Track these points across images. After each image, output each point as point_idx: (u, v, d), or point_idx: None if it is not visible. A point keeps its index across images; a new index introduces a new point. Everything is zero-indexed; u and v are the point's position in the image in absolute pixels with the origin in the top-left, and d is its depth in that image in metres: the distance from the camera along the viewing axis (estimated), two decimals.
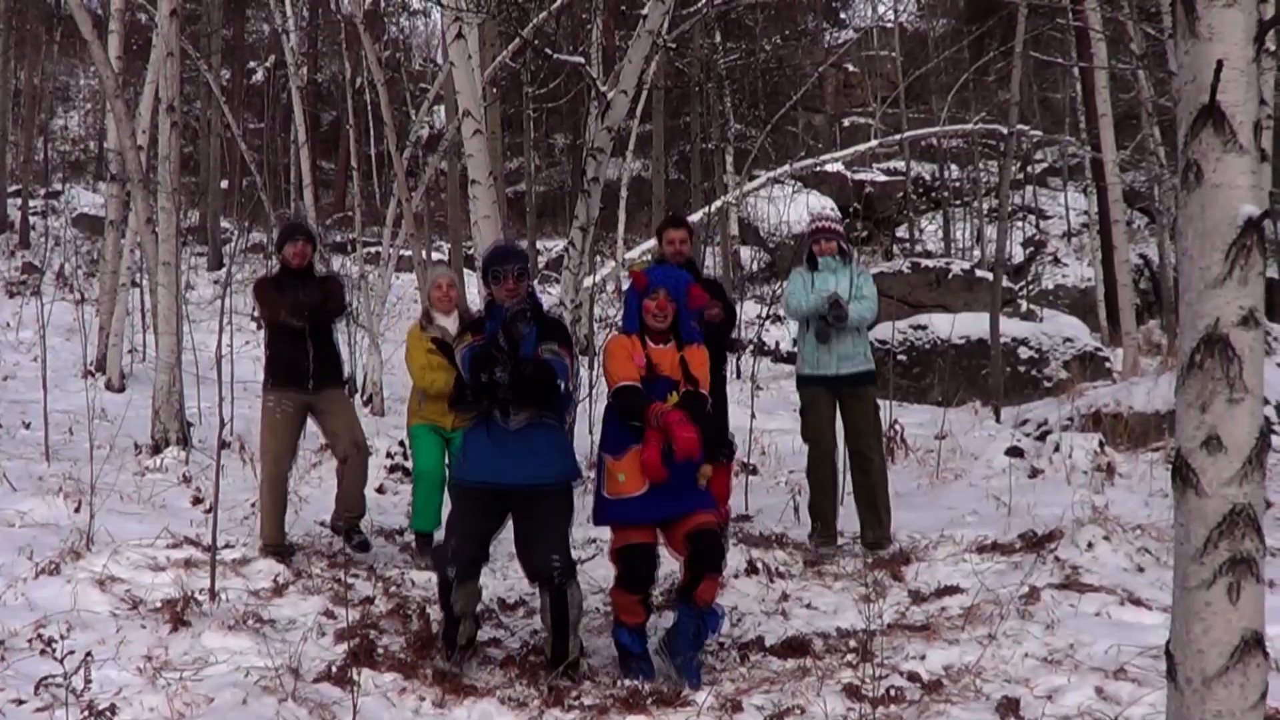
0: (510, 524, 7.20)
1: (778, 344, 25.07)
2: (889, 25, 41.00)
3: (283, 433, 9.81)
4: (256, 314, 25.46)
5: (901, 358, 20.47)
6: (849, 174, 37.66)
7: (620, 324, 7.59)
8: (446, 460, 9.79)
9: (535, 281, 26.50)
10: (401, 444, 12.92)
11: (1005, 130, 20.38)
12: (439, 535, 9.39)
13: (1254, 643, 3.86)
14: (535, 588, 7.25)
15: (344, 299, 10.36)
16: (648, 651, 7.16)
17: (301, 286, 9.85)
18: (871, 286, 10.59)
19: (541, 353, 7.02)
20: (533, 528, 7.05)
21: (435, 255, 30.83)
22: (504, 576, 9.13)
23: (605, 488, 7.19)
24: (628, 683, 6.82)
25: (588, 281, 17.61)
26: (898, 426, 14.12)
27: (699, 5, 19.27)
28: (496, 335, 6.97)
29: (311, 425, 10.32)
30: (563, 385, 7.13)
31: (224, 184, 38.03)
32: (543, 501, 7.03)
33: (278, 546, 9.49)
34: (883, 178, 39.12)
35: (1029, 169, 38.91)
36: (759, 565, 9.31)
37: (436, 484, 9.76)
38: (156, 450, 13.42)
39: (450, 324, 10.03)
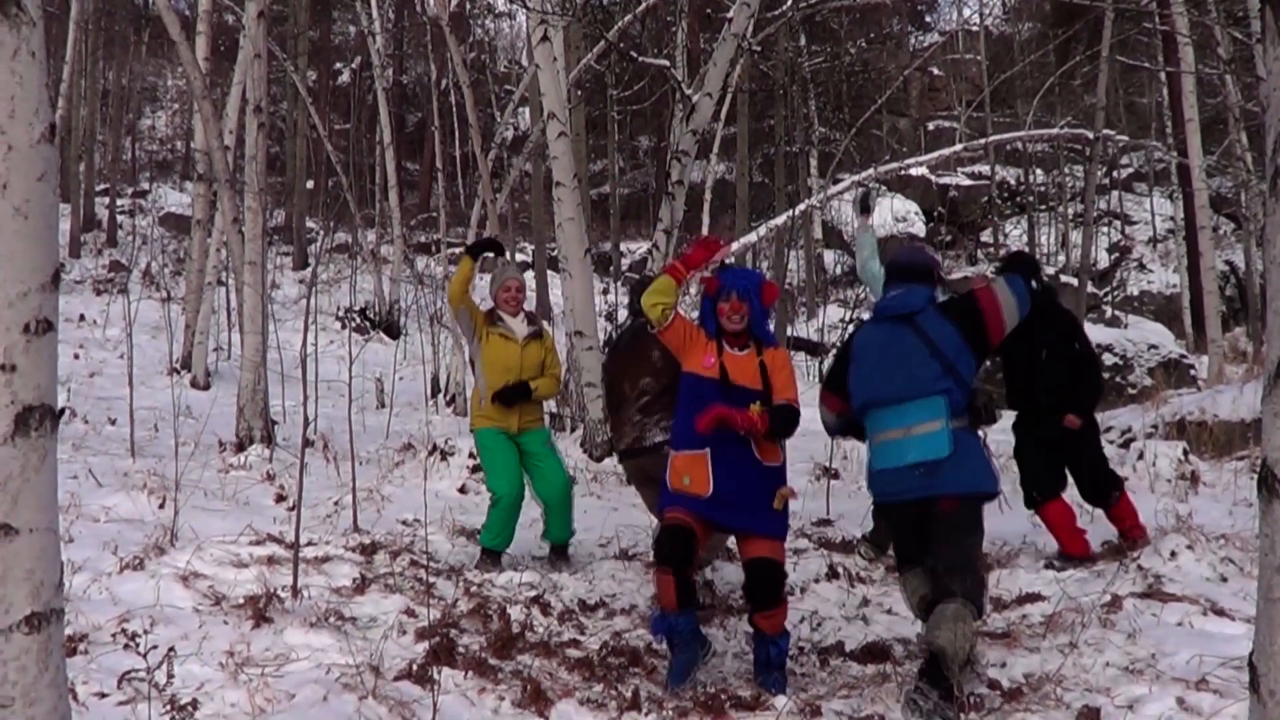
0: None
1: None
2: (974, 29, 40.80)
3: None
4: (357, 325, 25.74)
5: (985, 363, 20.36)
6: (933, 178, 37.54)
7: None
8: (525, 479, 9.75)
9: (617, 282, 26.39)
10: None
11: (1091, 135, 20.27)
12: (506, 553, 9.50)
13: None
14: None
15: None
16: (680, 642, 6.95)
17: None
18: None
19: None
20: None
21: (519, 257, 30.99)
22: (588, 582, 9.13)
23: (670, 481, 7.15)
24: (671, 689, 6.82)
25: None
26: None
27: (784, 9, 19.25)
28: None
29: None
30: None
31: (309, 184, 38.31)
32: None
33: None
34: (967, 182, 38.97)
35: (1114, 174, 38.65)
36: (839, 570, 9.28)
37: (514, 507, 9.52)
38: (241, 448, 13.52)
39: (517, 325, 9.82)
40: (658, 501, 7.47)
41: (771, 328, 7.68)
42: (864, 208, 10.29)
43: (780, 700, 6.45)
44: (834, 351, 7.09)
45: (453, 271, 11.92)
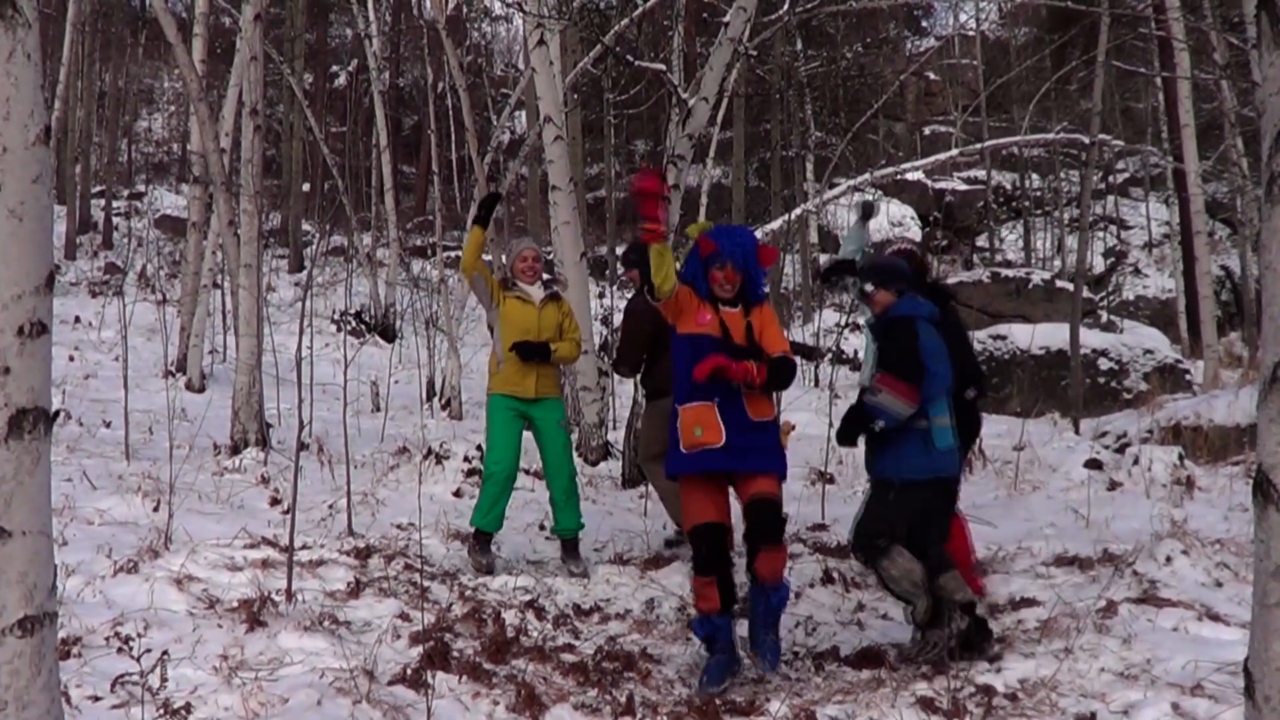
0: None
1: (856, 352, 24.96)
2: (971, 34, 40.75)
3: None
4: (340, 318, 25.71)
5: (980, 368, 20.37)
6: (930, 182, 37.61)
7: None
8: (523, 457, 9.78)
9: (613, 286, 26.42)
10: (479, 448, 12.90)
11: (1087, 140, 20.20)
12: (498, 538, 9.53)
13: None
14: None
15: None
16: (721, 643, 7.06)
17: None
18: None
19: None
20: None
21: None
22: (583, 586, 9.12)
23: (682, 438, 7.19)
24: (704, 691, 6.81)
25: None
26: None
27: (780, 13, 19.24)
28: None
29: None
30: None
31: (305, 187, 38.29)
32: None
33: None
34: (963, 186, 39.03)
35: (1110, 179, 38.67)
36: (835, 575, 9.28)
37: (504, 485, 9.55)
38: (235, 451, 13.51)
39: (534, 290, 9.84)
40: (666, 464, 7.48)
41: (766, 289, 7.75)
42: (864, 215, 10.33)
43: (774, 705, 6.45)
44: (898, 343, 7.22)
45: (450, 274, 11.95)
